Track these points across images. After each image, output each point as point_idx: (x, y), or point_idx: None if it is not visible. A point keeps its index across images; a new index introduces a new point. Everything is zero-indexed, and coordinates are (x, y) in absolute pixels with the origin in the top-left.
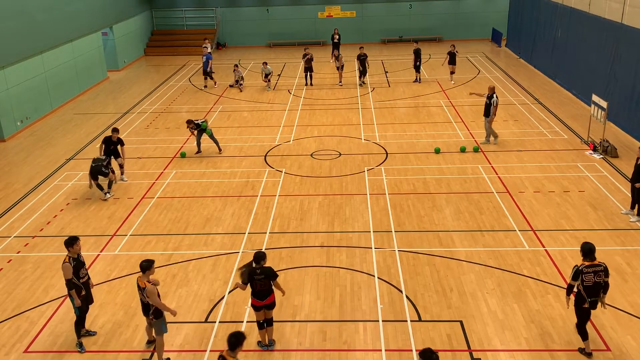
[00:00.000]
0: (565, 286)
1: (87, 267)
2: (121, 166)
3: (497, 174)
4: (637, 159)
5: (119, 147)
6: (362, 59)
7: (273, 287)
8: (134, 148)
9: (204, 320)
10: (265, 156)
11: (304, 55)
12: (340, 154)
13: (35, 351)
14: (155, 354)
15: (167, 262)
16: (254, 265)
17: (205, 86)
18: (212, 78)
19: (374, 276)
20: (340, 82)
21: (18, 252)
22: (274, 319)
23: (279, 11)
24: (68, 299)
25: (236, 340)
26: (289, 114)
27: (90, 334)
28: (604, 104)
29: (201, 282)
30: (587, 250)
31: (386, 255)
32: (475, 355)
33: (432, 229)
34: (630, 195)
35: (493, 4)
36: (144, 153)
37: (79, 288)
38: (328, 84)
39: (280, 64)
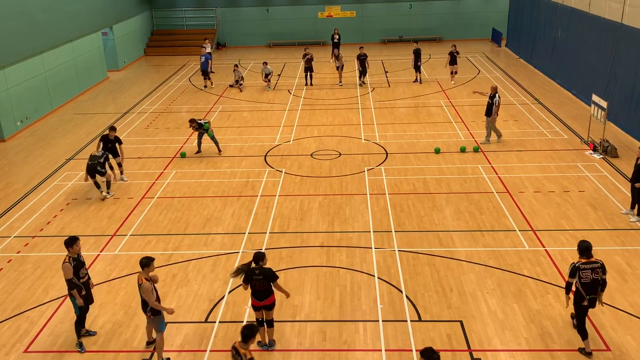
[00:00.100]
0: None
1: (87, 267)
2: (120, 165)
3: (497, 174)
4: (637, 159)
5: (117, 145)
6: (362, 59)
7: (274, 288)
8: (134, 148)
9: (204, 320)
10: (265, 156)
11: (304, 55)
12: (340, 154)
13: (35, 351)
14: (155, 354)
15: (167, 262)
16: (253, 265)
17: (205, 86)
18: (209, 78)
19: (374, 276)
20: (340, 82)
21: (18, 252)
22: (274, 320)
23: (279, 11)
24: (68, 299)
25: (249, 332)
26: (289, 114)
27: (90, 334)
28: (604, 104)
29: (201, 282)
30: (584, 249)
31: (386, 255)
32: (475, 355)
33: (432, 229)
34: (630, 195)
35: (493, 4)
36: (144, 153)
37: (79, 288)
38: (328, 84)
39: (280, 64)
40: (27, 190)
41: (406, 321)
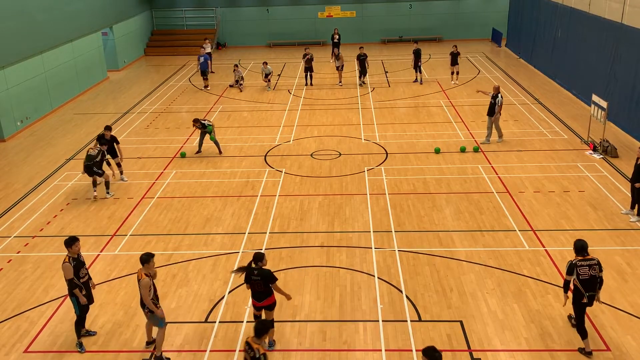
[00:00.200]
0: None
1: (87, 267)
2: (119, 165)
3: (497, 174)
4: (637, 159)
5: (115, 145)
6: (361, 59)
7: (273, 290)
8: (134, 148)
9: (204, 320)
10: (265, 156)
11: (304, 55)
12: (340, 154)
13: (35, 351)
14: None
15: (167, 262)
16: (252, 265)
17: (206, 86)
18: (206, 79)
19: (374, 276)
20: (340, 82)
21: (18, 252)
22: (274, 320)
23: (279, 11)
24: (68, 299)
25: (263, 327)
26: (289, 114)
27: (90, 334)
28: (604, 104)
29: (201, 282)
30: (580, 247)
31: (386, 255)
32: (475, 355)
33: (432, 229)
34: (630, 195)
35: (493, 4)
36: (144, 153)
37: (80, 288)
38: (328, 84)
39: (280, 64)
40: (27, 190)
41: (406, 321)
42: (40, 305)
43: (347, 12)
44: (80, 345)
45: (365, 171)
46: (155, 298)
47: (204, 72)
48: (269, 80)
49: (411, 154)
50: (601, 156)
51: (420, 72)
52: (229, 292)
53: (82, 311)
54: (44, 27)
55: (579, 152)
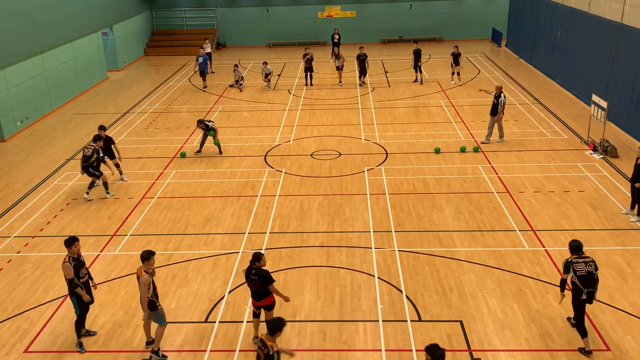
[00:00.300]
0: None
1: (87, 267)
2: (118, 165)
3: (497, 174)
4: (637, 158)
5: (112, 146)
6: (361, 59)
7: (270, 291)
8: (134, 148)
9: (204, 320)
10: (265, 156)
11: (304, 55)
12: (340, 154)
13: (35, 351)
14: (153, 356)
15: (167, 262)
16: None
17: (206, 87)
18: (204, 79)
19: (374, 276)
20: (340, 82)
21: (18, 252)
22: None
23: (279, 11)
24: (68, 299)
25: (276, 325)
26: (289, 114)
27: (90, 334)
28: (604, 104)
29: (201, 282)
30: (575, 247)
31: (386, 255)
32: (475, 355)
33: (432, 229)
34: (630, 195)
35: (493, 4)
36: (144, 153)
37: (80, 288)
38: (328, 84)
39: (280, 64)
40: (27, 190)
41: (406, 321)
42: (40, 305)
43: (347, 12)
44: (80, 345)
45: (365, 171)
46: (155, 296)
47: (203, 73)
48: (269, 80)
49: (411, 154)
50: (601, 156)
51: (421, 73)
52: (229, 292)
53: (82, 311)
54: (44, 27)
55: (579, 152)
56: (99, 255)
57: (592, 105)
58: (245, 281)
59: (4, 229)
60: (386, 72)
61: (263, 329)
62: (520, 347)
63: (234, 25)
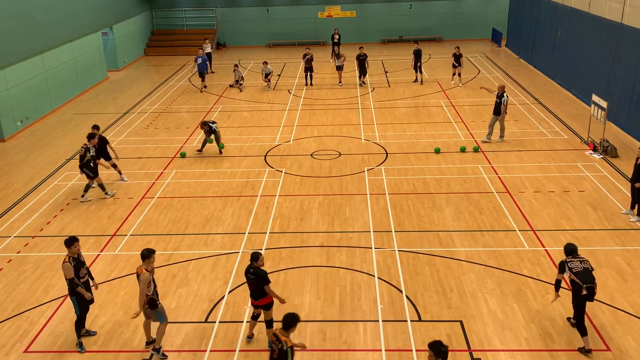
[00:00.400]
0: (565, 285)
1: (87, 267)
2: (115, 166)
3: (497, 174)
4: (637, 158)
5: (107, 146)
6: (361, 59)
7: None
8: (134, 148)
9: (204, 320)
10: (265, 156)
11: (304, 55)
12: (340, 154)
13: (35, 351)
14: (154, 354)
15: (167, 262)
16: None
17: (205, 86)
18: (203, 80)
19: (374, 276)
20: (340, 82)
21: (18, 252)
22: (274, 320)
23: (279, 11)
24: (68, 299)
25: (290, 320)
26: (289, 114)
27: (90, 334)
28: (604, 104)
29: (201, 282)
30: (569, 250)
31: (386, 255)
32: (475, 355)
33: (432, 229)
34: (630, 195)
35: (493, 4)
36: (144, 153)
37: (80, 287)
38: (328, 84)
39: (280, 64)
40: (27, 190)
41: (406, 321)
42: (40, 305)
43: (347, 12)
44: (80, 345)
45: (365, 171)
46: (155, 294)
47: (202, 74)
48: (269, 80)
49: (411, 154)
50: (601, 156)
51: (421, 73)
52: (229, 292)
53: (82, 311)
54: (44, 27)
55: (579, 152)
56: (99, 255)
57: (592, 105)
58: (245, 281)
59: (4, 229)
60: (386, 72)
61: (261, 328)
62: (520, 347)
63: (234, 25)
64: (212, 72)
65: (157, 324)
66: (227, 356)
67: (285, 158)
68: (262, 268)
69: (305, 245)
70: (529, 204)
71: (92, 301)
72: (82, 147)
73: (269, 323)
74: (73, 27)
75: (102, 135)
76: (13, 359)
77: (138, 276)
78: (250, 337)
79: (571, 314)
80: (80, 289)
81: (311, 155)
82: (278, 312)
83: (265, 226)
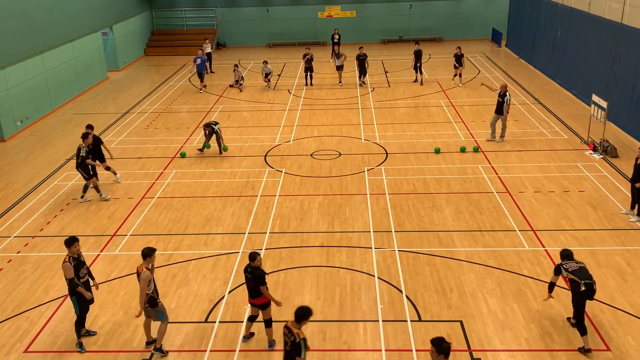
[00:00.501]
0: (564, 285)
1: (88, 266)
2: (108, 168)
3: (497, 174)
4: (637, 158)
5: (101, 146)
6: (361, 59)
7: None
8: (134, 148)
9: (204, 320)
10: (265, 156)
11: (304, 55)
12: (340, 154)
13: (35, 351)
14: (155, 353)
15: (167, 262)
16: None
17: (205, 86)
18: (202, 80)
19: (374, 276)
20: (340, 82)
21: (18, 252)
22: (272, 319)
23: (279, 11)
24: (68, 299)
25: (303, 313)
26: (289, 114)
27: (90, 334)
28: (604, 104)
29: (201, 282)
30: (565, 255)
31: (386, 255)
32: (475, 355)
33: (432, 229)
34: (630, 195)
35: (493, 4)
36: (144, 153)
37: (80, 287)
38: (328, 84)
39: (280, 64)
40: (27, 190)
41: (406, 321)
42: (40, 305)
43: (347, 12)
44: (80, 345)
45: (365, 171)
46: (156, 293)
47: (200, 75)
48: (269, 80)
49: (411, 154)
50: (601, 156)
51: (421, 73)
52: (229, 292)
53: (82, 311)
54: (44, 27)
55: (579, 152)
56: (99, 255)
57: (592, 105)
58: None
59: (4, 229)
60: (386, 72)
61: (262, 328)
62: (520, 347)
63: (234, 25)
64: (212, 72)
65: (158, 324)
66: (227, 356)
67: (285, 158)
68: (260, 268)
69: (305, 245)
70: (529, 204)
71: (92, 301)
72: (77, 149)
73: (267, 322)
74: (73, 27)
75: (97, 135)
76: (13, 359)
77: (138, 275)
78: (246, 337)
79: (571, 314)
80: (80, 288)
81: (311, 155)
82: (279, 312)
83: (265, 226)
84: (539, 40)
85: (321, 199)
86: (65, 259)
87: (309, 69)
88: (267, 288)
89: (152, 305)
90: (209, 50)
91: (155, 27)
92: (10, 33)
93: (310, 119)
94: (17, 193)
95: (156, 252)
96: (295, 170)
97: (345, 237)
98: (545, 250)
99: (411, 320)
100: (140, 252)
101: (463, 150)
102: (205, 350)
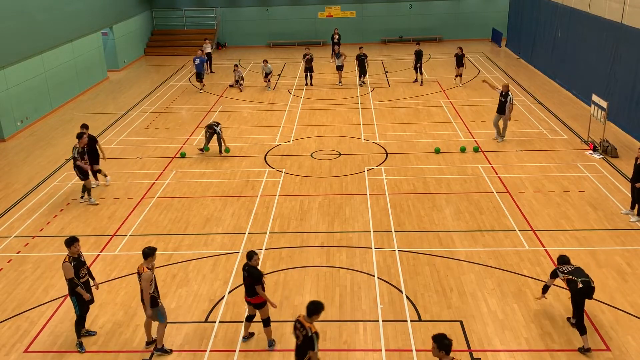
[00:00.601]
0: (564, 286)
1: (88, 266)
2: (99, 171)
3: (497, 174)
4: (637, 158)
5: (96, 146)
6: (361, 59)
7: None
8: (134, 148)
9: (204, 320)
10: (265, 156)
11: (304, 55)
12: (340, 154)
13: (35, 351)
14: (155, 353)
15: (167, 262)
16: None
17: (204, 85)
18: (201, 81)
19: (374, 276)
20: (340, 82)
21: (18, 252)
22: (271, 319)
23: (279, 11)
24: (68, 299)
25: (315, 308)
26: (289, 114)
27: (90, 334)
28: (604, 104)
29: (201, 282)
30: (562, 261)
31: (386, 255)
32: (475, 355)
33: (432, 229)
34: (630, 195)
35: (493, 4)
36: (144, 153)
37: (80, 287)
38: (328, 84)
39: (280, 64)
40: (27, 190)
41: (406, 321)
42: (40, 305)
43: (347, 12)
44: (80, 345)
45: (365, 171)
46: (157, 292)
47: (199, 75)
48: (269, 80)
49: (411, 154)
50: (601, 156)
51: (421, 74)
52: (229, 292)
53: (82, 311)
54: (44, 27)
55: (579, 152)
56: (99, 255)
57: (592, 105)
58: None
59: (4, 229)
60: (386, 72)
61: (261, 328)
62: (520, 347)
63: (234, 25)
64: (212, 72)
65: (158, 323)
66: (227, 356)
67: (286, 158)
68: (258, 268)
69: (305, 245)
70: (529, 204)
71: (92, 301)
72: (73, 149)
73: (265, 322)
74: (73, 27)
75: (92, 135)
76: (13, 359)
77: (139, 275)
78: (246, 337)
79: (571, 314)
80: (79, 289)
81: (311, 155)
82: (278, 312)
83: (265, 226)
84: (539, 40)
85: (321, 199)
86: (65, 259)
87: (309, 69)
88: (262, 288)
89: (152, 305)
90: (209, 50)
91: (155, 27)
92: (10, 33)
93: (310, 119)
94: (17, 193)
95: (156, 252)
96: (295, 170)
97: (345, 237)
98: (545, 250)
99: (411, 320)
100: (140, 252)
101: (463, 150)
102: (205, 350)
